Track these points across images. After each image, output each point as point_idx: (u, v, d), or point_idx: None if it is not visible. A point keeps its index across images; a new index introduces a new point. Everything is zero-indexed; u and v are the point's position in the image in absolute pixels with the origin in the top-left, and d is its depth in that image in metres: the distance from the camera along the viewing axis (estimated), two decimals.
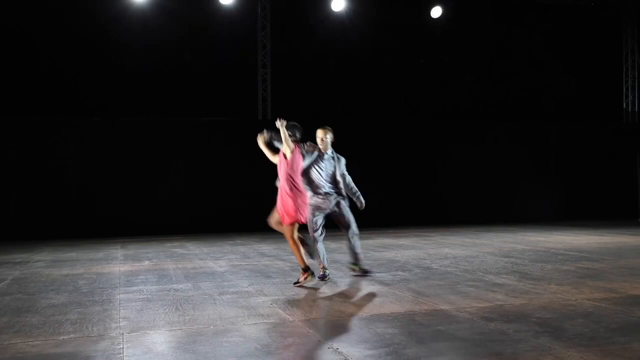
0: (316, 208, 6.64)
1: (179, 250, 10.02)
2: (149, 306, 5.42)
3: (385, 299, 5.57)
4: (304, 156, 6.57)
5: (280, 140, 6.44)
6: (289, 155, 6.37)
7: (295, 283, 6.42)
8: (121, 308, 5.36)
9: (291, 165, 6.37)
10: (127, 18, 13.92)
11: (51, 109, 13.57)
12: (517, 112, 16.92)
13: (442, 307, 5.13)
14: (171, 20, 14.24)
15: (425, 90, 16.25)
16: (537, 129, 16.36)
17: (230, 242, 11.31)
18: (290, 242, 6.46)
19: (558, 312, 4.89)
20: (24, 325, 4.74)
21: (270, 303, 5.51)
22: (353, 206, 6.95)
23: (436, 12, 15.67)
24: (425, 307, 5.14)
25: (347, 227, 6.80)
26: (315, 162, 6.67)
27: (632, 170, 16.49)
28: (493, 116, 16.54)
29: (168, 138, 13.56)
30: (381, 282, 6.46)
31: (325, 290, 6.17)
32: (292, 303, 5.52)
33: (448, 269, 7.36)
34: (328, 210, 6.71)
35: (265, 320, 4.82)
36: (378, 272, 7.18)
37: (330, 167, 6.73)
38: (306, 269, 6.40)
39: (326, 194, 6.68)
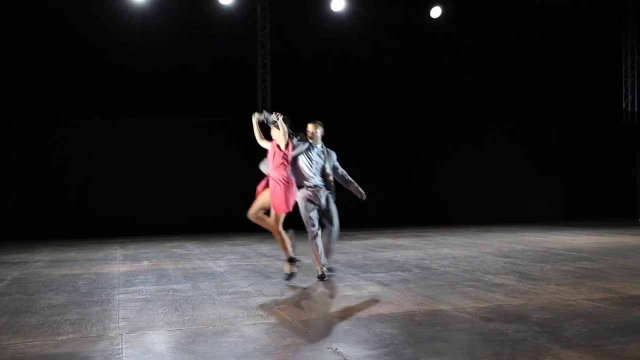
0: (308, 201, 6.66)
1: (179, 251, 10.02)
2: (148, 306, 5.42)
3: (385, 299, 5.57)
4: (294, 147, 6.65)
5: (275, 126, 6.53)
6: (282, 146, 6.46)
7: (287, 279, 6.49)
8: (120, 308, 5.36)
9: (284, 156, 6.46)
10: (127, 18, 13.92)
11: (51, 109, 13.56)
12: (517, 112, 16.91)
13: (442, 308, 5.13)
14: (171, 20, 14.23)
15: (425, 90, 16.24)
16: (537, 129, 16.36)
17: (229, 242, 11.31)
18: (276, 233, 6.54)
19: (557, 312, 4.89)
20: (22, 326, 4.74)
21: (269, 303, 5.51)
22: (355, 200, 6.98)
23: (436, 12, 15.66)
24: (425, 308, 5.14)
25: (331, 222, 6.80)
26: (304, 152, 6.72)
27: (631, 170, 16.49)
28: (493, 116, 16.54)
29: (168, 138, 13.56)
30: (380, 282, 6.46)
31: (324, 290, 6.17)
32: (291, 303, 5.51)
33: (447, 269, 7.36)
34: (319, 205, 6.71)
35: (264, 321, 4.82)
36: (377, 272, 7.18)
37: (319, 161, 6.79)
38: (291, 260, 6.49)
39: (315, 186, 6.71)
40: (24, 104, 13.45)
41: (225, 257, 8.99)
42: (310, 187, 6.69)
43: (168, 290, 6.22)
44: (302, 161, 6.72)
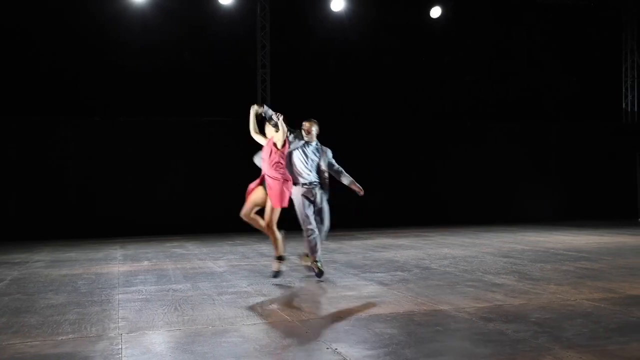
0: (304, 198, 6.71)
1: (178, 251, 10.02)
2: (147, 306, 5.42)
3: (384, 299, 5.57)
4: (290, 144, 6.70)
5: (275, 126, 6.57)
6: (280, 144, 6.50)
7: (274, 276, 6.59)
8: (120, 308, 5.35)
9: (281, 155, 6.53)
10: (127, 18, 13.92)
11: (51, 109, 13.56)
12: (516, 112, 16.91)
13: (441, 308, 5.13)
14: (171, 21, 14.23)
15: (424, 90, 16.24)
16: (537, 129, 16.36)
17: (229, 242, 11.31)
18: (269, 231, 6.60)
19: (557, 312, 4.89)
20: (22, 326, 4.74)
21: (269, 303, 5.51)
22: (355, 200, 7.00)
23: (435, 12, 15.66)
24: (424, 308, 5.14)
25: (322, 221, 6.86)
26: (300, 149, 6.78)
27: (631, 170, 16.49)
28: (493, 116, 16.54)
29: (168, 138, 13.56)
30: (380, 282, 6.45)
31: (324, 290, 6.17)
32: (290, 303, 5.51)
33: (447, 269, 7.36)
34: (315, 202, 6.76)
35: (264, 321, 4.82)
36: (377, 272, 7.18)
37: (314, 158, 6.84)
38: (280, 258, 6.63)
39: (310, 183, 6.76)
40: (24, 104, 13.45)
41: (225, 257, 8.99)
42: (305, 184, 6.75)
43: (168, 290, 6.22)
44: (298, 158, 6.79)
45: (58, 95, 13.67)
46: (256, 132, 6.83)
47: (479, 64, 16.67)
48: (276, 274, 6.70)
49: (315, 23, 15.28)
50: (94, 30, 13.80)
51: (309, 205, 6.71)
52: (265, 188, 6.59)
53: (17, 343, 4.23)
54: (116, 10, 13.87)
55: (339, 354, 3.86)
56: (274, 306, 5.38)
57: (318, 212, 6.82)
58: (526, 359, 3.68)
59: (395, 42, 15.78)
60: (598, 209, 16.09)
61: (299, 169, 6.76)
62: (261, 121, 6.82)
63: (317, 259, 6.71)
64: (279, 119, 6.46)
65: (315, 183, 6.78)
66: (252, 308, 5.28)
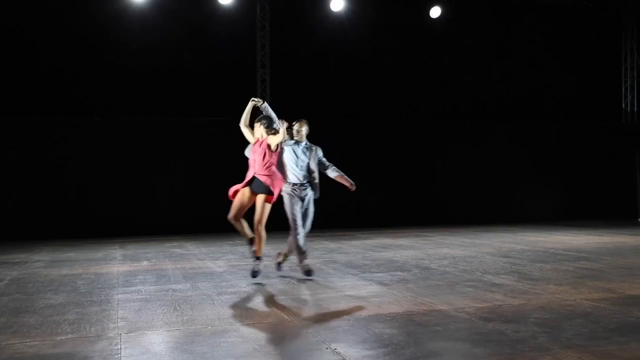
0: (293, 197, 6.77)
1: (178, 251, 10.02)
2: (147, 306, 5.42)
3: (384, 299, 5.56)
4: (280, 143, 6.74)
5: (270, 125, 6.65)
6: (273, 146, 6.55)
7: (253, 276, 6.60)
8: (119, 308, 5.35)
9: (275, 156, 6.61)
10: (127, 18, 13.91)
11: (51, 109, 13.55)
12: (516, 112, 16.91)
13: (441, 308, 5.13)
14: (170, 20, 14.23)
15: (424, 90, 16.24)
16: (537, 129, 16.36)
17: (229, 242, 11.31)
18: (258, 229, 6.56)
19: (557, 312, 4.89)
20: (21, 326, 4.74)
21: (268, 303, 5.51)
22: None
23: (435, 12, 15.65)
24: (424, 308, 5.14)
25: (304, 222, 6.90)
26: (290, 148, 6.85)
27: (631, 170, 16.49)
28: (492, 116, 16.53)
29: (167, 138, 13.56)
30: (380, 282, 6.45)
31: (323, 290, 6.17)
32: (290, 303, 5.51)
33: (447, 269, 7.36)
34: (303, 202, 6.82)
35: (263, 321, 4.82)
36: (377, 272, 7.18)
37: (304, 158, 6.89)
38: (259, 259, 6.63)
39: (301, 184, 6.82)
40: (24, 104, 13.44)
41: (224, 257, 8.99)
42: (295, 183, 6.82)
43: (167, 290, 6.22)
44: (288, 157, 6.86)
45: (58, 95, 13.66)
46: (246, 125, 6.94)
47: (478, 64, 16.66)
48: (255, 274, 6.65)
49: (315, 23, 15.28)
50: (94, 30, 13.79)
51: (297, 203, 6.78)
52: (252, 189, 6.62)
53: (16, 343, 4.23)
54: (116, 10, 13.86)
55: (338, 354, 3.85)
56: (273, 306, 5.37)
57: (304, 213, 6.87)
58: (525, 359, 3.67)
59: (395, 42, 15.78)
60: (598, 209, 16.09)
61: (289, 168, 6.84)
62: (253, 116, 6.90)
63: (304, 257, 6.80)
64: (282, 126, 6.44)
65: (305, 184, 6.85)
66: (251, 308, 5.29)
